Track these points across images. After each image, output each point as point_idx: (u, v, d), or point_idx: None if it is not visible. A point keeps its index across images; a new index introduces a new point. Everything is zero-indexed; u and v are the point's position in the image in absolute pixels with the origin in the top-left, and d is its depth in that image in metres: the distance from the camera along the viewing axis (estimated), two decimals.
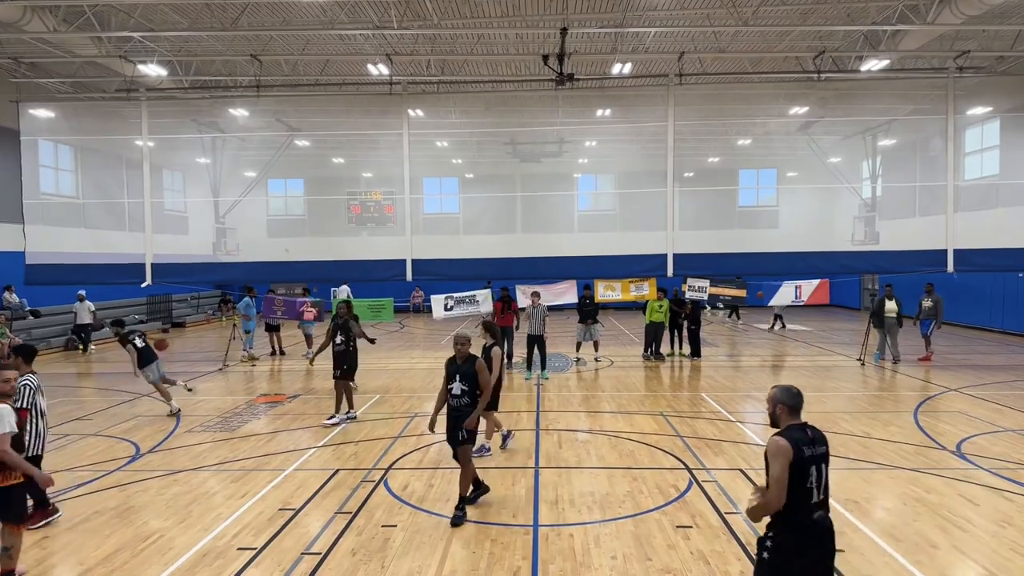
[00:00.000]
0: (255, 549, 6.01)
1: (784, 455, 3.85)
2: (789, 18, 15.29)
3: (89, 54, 16.16)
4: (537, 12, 15.24)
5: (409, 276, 16.09)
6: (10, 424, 5.16)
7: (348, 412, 10.78)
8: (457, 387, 6.75)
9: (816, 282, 16.65)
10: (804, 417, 4.20)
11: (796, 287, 16.71)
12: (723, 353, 18.24)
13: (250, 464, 8.57)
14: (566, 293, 16.41)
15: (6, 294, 19.30)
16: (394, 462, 8.50)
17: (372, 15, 14.89)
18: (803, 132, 21.34)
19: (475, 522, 6.60)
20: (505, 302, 15.47)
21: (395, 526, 6.50)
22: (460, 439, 6.73)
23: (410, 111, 16.73)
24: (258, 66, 16.30)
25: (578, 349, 16.62)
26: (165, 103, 17.75)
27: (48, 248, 16.02)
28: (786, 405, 4.13)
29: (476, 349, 7.24)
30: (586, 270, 16.43)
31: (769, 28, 15.49)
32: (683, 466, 8.29)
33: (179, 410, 11.35)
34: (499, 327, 15.09)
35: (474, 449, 8.75)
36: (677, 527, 6.43)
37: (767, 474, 3.94)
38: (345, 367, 10.69)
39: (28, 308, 19.57)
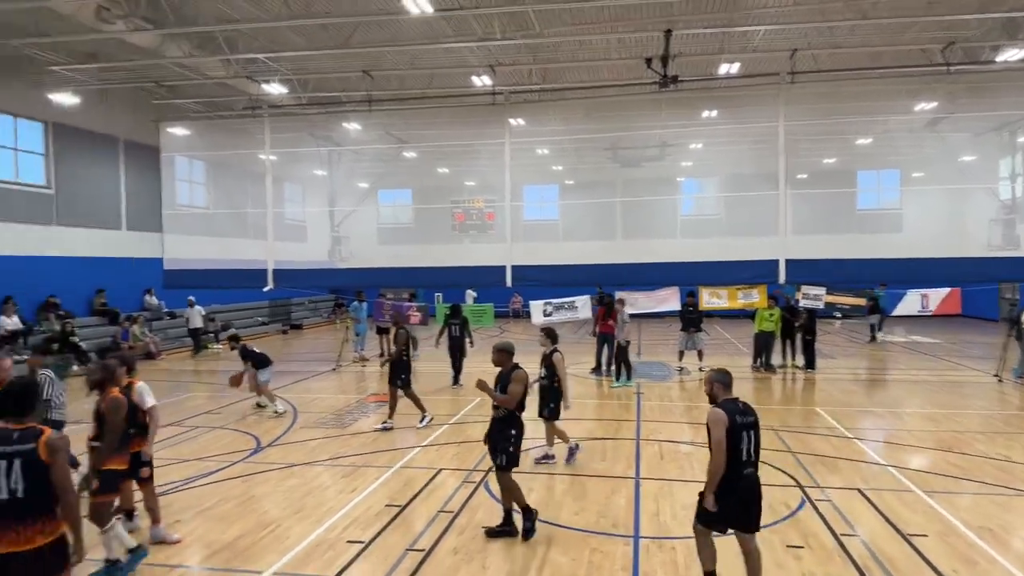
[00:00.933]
0: (363, 543, 6.27)
1: (722, 423, 4.82)
2: (913, 8, 14.25)
3: (219, 76, 17.57)
4: (641, 15, 15.03)
5: (509, 282, 16.29)
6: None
7: (382, 421, 10.68)
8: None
9: (946, 291, 15.37)
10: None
11: (923, 296, 15.50)
12: (841, 366, 17.16)
13: (359, 460, 8.96)
14: (668, 300, 16.04)
15: (147, 297, 21.26)
16: (537, 460, 8.59)
17: (476, 27, 15.24)
18: (930, 129, 19.83)
19: (575, 529, 6.57)
20: (607, 308, 15.30)
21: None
22: (498, 464, 6.34)
23: (511, 120, 16.98)
24: (369, 81, 17.09)
25: (680, 358, 16.16)
26: (285, 119, 18.98)
27: (183, 255, 17.50)
28: (722, 383, 5.05)
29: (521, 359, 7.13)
30: (689, 276, 16.00)
31: (890, 20, 14.50)
32: (795, 483, 7.88)
33: (285, 411, 11.86)
34: (601, 334, 15.18)
35: (538, 457, 8.72)
36: (788, 546, 6.12)
37: (709, 442, 4.92)
38: (403, 376, 10.75)
39: (166, 310, 21.45)
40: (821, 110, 17.59)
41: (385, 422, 10.64)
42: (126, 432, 5.86)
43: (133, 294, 20.81)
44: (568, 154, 24.80)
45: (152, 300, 21.28)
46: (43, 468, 3.89)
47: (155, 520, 6.38)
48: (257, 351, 12.18)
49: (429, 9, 13.01)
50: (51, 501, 3.94)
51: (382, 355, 18.61)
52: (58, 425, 6.21)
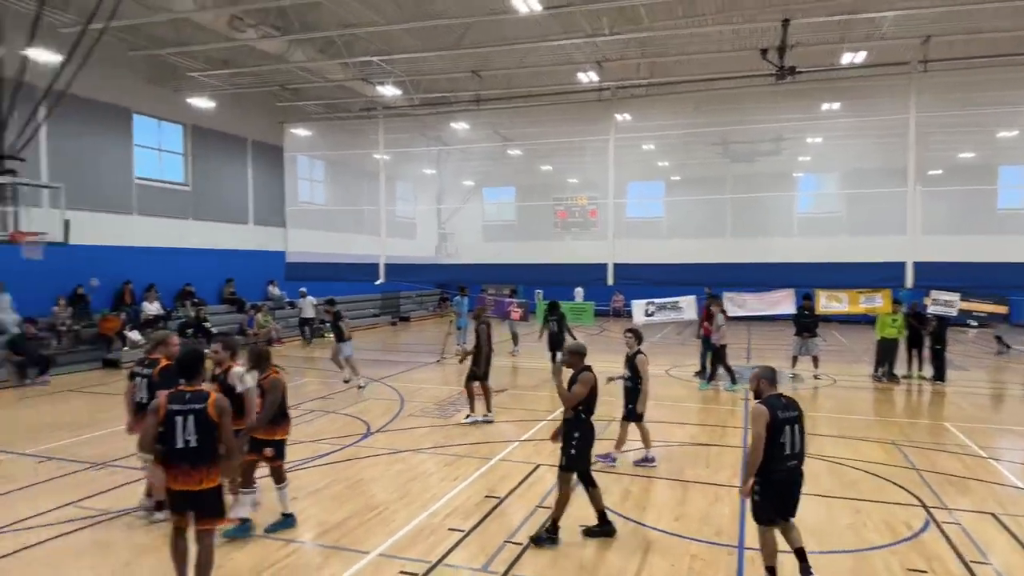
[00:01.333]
0: (463, 531, 6.43)
1: (763, 417, 5.03)
2: None
3: (338, 78, 18.51)
4: (756, 5, 14.42)
5: (610, 280, 16.11)
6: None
7: (482, 413, 10.80)
8: None
9: None
10: None
11: None
12: (975, 378, 15.74)
13: (461, 451, 9.19)
14: (782, 303, 15.25)
15: (270, 287, 22.76)
16: (591, 464, 8.53)
17: (585, 24, 15.16)
18: None
19: (675, 535, 6.43)
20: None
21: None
22: (560, 464, 6.23)
23: (617, 116, 16.76)
24: (478, 81, 17.41)
25: (794, 364, 15.36)
26: (398, 120, 19.72)
27: (303, 248, 18.62)
28: (767, 379, 5.27)
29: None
30: (806, 278, 15.18)
31: None
32: (918, 503, 7.32)
33: (366, 385, 13.08)
34: (704, 336, 14.70)
35: (637, 460, 8.57)
36: (908, 570, 5.71)
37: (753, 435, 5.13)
38: (474, 368, 10.87)
39: (287, 300, 22.88)
40: (957, 100, 16.16)
41: (485, 415, 10.86)
42: (282, 408, 6.50)
43: (258, 284, 22.35)
44: (675, 149, 24.16)
45: (275, 290, 22.76)
46: (211, 424, 4.77)
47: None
48: (343, 327, 13.29)
49: (538, 7, 13.09)
50: (215, 452, 4.81)
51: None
52: None
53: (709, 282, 16.74)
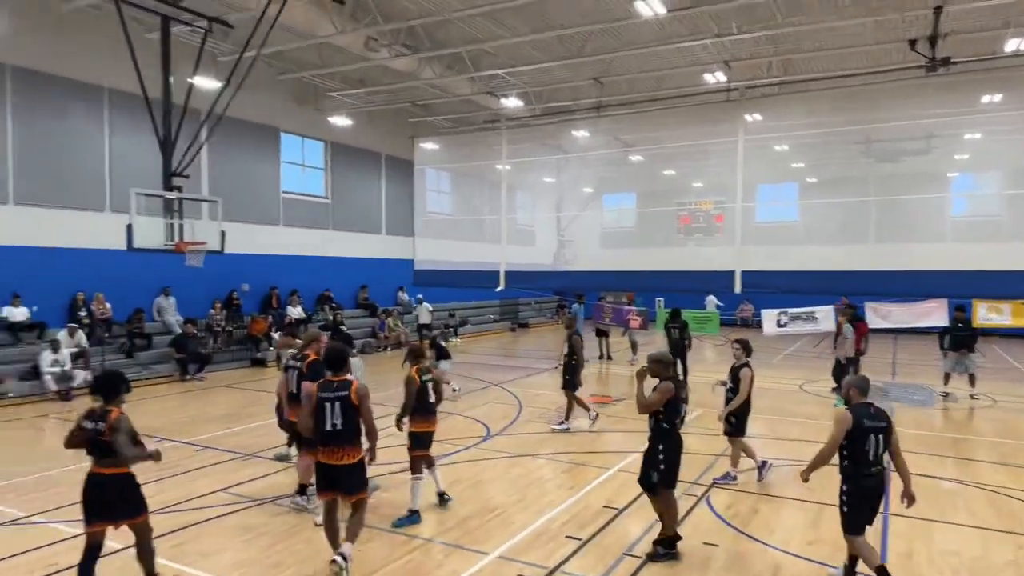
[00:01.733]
0: (581, 540, 6.40)
1: (844, 422, 5.22)
2: None
3: (464, 93, 19.16)
4: None
5: (737, 288, 15.43)
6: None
7: (562, 422, 10.79)
8: None
9: None
10: None
11: None
12: None
13: (578, 459, 9.17)
14: (931, 314, 13.94)
15: (399, 293, 23.86)
16: (716, 480, 8.24)
17: (711, 24, 14.73)
18: None
19: (808, 560, 6.05)
20: (852, 321, 13.77)
21: (717, 546, 6.30)
22: (650, 480, 5.98)
23: (747, 116, 16.09)
24: (599, 88, 17.37)
25: (946, 382, 13.93)
26: (520, 131, 20.10)
27: (430, 256, 19.41)
28: (858, 388, 5.42)
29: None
30: (961, 287, 13.79)
31: None
32: None
33: (458, 389, 13.33)
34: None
35: (719, 477, 8.15)
36: None
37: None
38: (567, 377, 10.81)
39: (415, 305, 23.89)
40: None
41: (592, 417, 10.87)
42: (421, 403, 6.90)
43: (389, 290, 23.53)
44: (811, 149, 22.80)
45: (404, 296, 23.86)
46: (353, 409, 5.40)
47: None
48: (444, 348, 13.64)
49: (662, 10, 12.87)
50: (357, 433, 5.46)
51: (601, 357, 18.81)
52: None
53: (848, 291, 15.62)
